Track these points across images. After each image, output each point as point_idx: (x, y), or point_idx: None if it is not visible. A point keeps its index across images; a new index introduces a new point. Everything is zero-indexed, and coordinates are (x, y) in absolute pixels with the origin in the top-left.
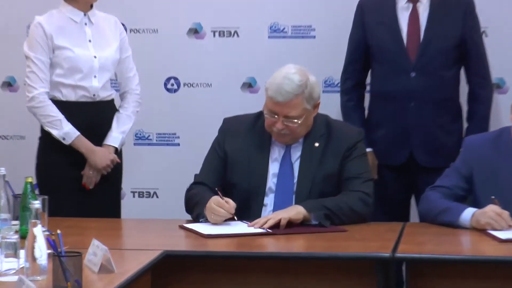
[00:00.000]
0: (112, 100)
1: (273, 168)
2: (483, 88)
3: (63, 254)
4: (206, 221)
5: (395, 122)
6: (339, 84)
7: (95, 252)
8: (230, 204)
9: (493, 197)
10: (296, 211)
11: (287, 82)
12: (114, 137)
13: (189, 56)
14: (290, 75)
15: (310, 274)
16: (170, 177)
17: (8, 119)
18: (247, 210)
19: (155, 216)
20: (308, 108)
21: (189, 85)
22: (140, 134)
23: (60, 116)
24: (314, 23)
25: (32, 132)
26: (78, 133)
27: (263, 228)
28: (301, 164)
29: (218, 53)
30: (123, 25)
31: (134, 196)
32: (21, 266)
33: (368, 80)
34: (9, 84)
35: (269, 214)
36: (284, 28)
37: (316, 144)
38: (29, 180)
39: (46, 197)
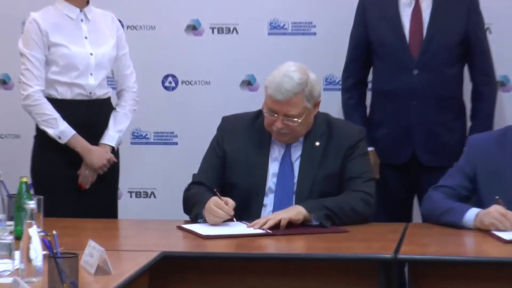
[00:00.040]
0: (109, 98)
1: (273, 167)
2: (487, 86)
3: (58, 255)
4: (205, 221)
5: (397, 121)
6: (340, 82)
7: (92, 253)
8: (229, 205)
9: (497, 197)
10: (297, 212)
11: (287, 80)
12: (111, 136)
13: (187, 53)
14: (290, 73)
15: (310, 275)
16: (168, 176)
17: (2, 117)
18: (247, 210)
19: (153, 217)
20: (308, 107)
21: (187, 82)
22: (137, 133)
23: (56, 114)
24: (315, 20)
25: (27, 131)
26: (74, 132)
27: (263, 229)
28: (302, 163)
29: (216, 50)
30: (120, 21)
31: (131, 196)
32: (16, 268)
33: (370, 77)
34: (4, 82)
35: (269, 215)
36: (284, 25)
37: (317, 143)
38: (24, 179)
39: (41, 197)
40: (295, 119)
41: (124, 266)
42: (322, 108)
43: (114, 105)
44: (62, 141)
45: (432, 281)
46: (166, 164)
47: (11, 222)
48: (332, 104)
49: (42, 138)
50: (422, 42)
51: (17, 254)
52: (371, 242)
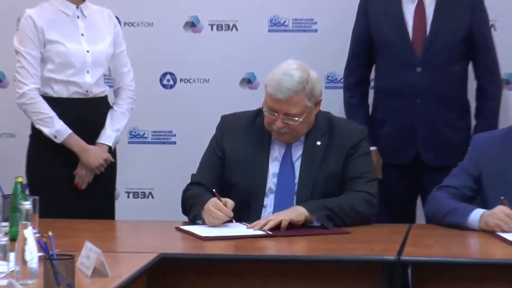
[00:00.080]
0: (106, 97)
1: (273, 167)
2: (492, 84)
3: (54, 257)
4: (204, 223)
5: (400, 119)
6: (341, 80)
7: (88, 255)
8: (229, 206)
9: (502, 197)
10: (298, 212)
11: (287, 78)
12: (108, 135)
13: (186, 51)
14: (290, 71)
15: (312, 277)
16: (166, 176)
17: None
18: (246, 211)
19: (151, 218)
20: (309, 106)
21: (185, 81)
22: (135, 132)
23: (52, 113)
24: (316, 16)
25: (23, 130)
26: (70, 131)
27: (263, 230)
28: (302, 163)
29: (216, 48)
30: (117, 18)
31: (128, 197)
32: (11, 270)
33: (372, 75)
34: None
35: (269, 216)
36: (284, 21)
37: (318, 143)
38: (19, 180)
39: (37, 197)
40: (296, 118)
41: (121, 268)
42: (323, 107)
43: (111, 104)
44: (58, 140)
45: (435, 283)
46: (164, 164)
47: (6, 223)
48: (333, 103)
49: (37, 137)
50: (425, 39)
51: (12, 255)
52: (374, 243)
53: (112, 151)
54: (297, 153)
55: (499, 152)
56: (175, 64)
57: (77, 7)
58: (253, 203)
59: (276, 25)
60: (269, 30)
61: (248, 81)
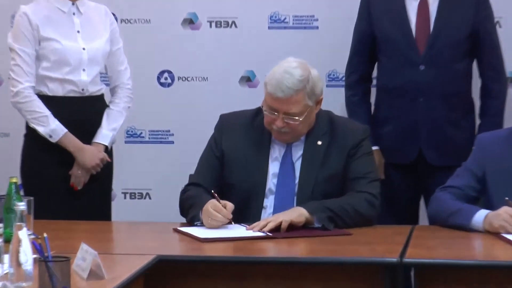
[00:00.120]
0: (102, 95)
1: (273, 168)
2: (497, 82)
3: (50, 259)
4: (202, 224)
5: (403, 118)
6: (343, 78)
7: (84, 256)
8: (228, 208)
9: (507, 198)
10: (298, 213)
11: (287, 77)
12: (104, 135)
13: (184, 48)
14: (291, 69)
15: (312, 280)
16: (164, 177)
17: None
18: (246, 212)
19: (148, 219)
20: (310, 105)
21: (183, 79)
22: (132, 131)
23: (47, 112)
24: (317, 13)
25: (17, 129)
26: (65, 130)
27: (263, 232)
28: (303, 163)
29: (214, 45)
30: (113, 15)
31: (125, 197)
32: (5, 272)
33: (375, 73)
34: None
35: (269, 217)
36: (285, 18)
37: (319, 143)
38: (14, 180)
39: (31, 198)
40: (296, 118)
41: (118, 270)
42: (324, 106)
43: (107, 102)
44: (53, 139)
45: (439, 286)
46: (161, 164)
47: (0, 225)
48: (335, 101)
49: (32, 137)
50: (429, 36)
51: (6, 257)
52: (376, 245)
53: (108, 150)
54: (297, 153)
55: (504, 152)
56: (173, 62)
57: (72, 4)
58: (252, 204)
59: (276, 22)
60: (269, 27)
61: (248, 79)
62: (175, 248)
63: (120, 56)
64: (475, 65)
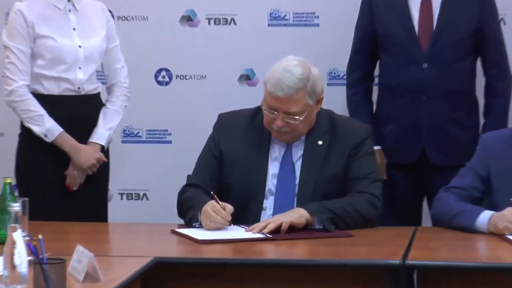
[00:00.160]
0: (98, 94)
1: (273, 168)
2: (501, 80)
3: (45, 261)
4: (201, 225)
5: (405, 117)
6: (344, 77)
7: (80, 259)
8: (227, 211)
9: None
10: (298, 215)
11: (287, 75)
12: (101, 134)
13: (182, 46)
14: (291, 67)
15: (313, 282)
16: (161, 177)
17: None
18: (245, 213)
19: (145, 220)
20: (310, 104)
21: (181, 77)
22: (129, 131)
23: (42, 111)
24: (318, 10)
25: (12, 128)
26: (61, 129)
27: (263, 233)
28: (303, 163)
29: (213, 43)
30: (110, 12)
31: (122, 198)
32: None
33: (376, 72)
34: None
35: (269, 218)
36: (285, 15)
37: (320, 142)
38: (8, 180)
39: (26, 199)
40: (297, 117)
41: (114, 272)
42: (325, 105)
43: (104, 101)
44: (49, 139)
45: None
46: (159, 164)
47: None
48: (336, 100)
49: (27, 136)
50: (432, 33)
51: (0, 260)
52: (378, 247)
53: (105, 150)
54: (297, 153)
55: (509, 152)
56: (170, 60)
57: (68, 1)
58: (252, 205)
59: (276, 19)
60: (269, 24)
61: (247, 78)
62: (172, 250)
63: (117, 54)
64: (479, 63)
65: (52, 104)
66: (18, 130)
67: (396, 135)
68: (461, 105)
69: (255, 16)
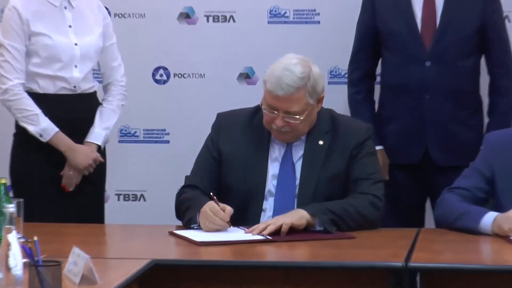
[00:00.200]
0: (95, 93)
1: (273, 168)
2: (506, 79)
3: (40, 263)
4: (199, 227)
5: (408, 117)
6: (346, 75)
7: (76, 261)
8: (227, 212)
9: None
10: (299, 216)
11: (287, 74)
12: (97, 134)
13: (180, 44)
14: (291, 66)
15: (314, 285)
16: (159, 178)
17: None
18: (244, 215)
19: (142, 222)
20: (311, 103)
21: (179, 76)
22: (126, 130)
23: (37, 110)
24: (319, 7)
25: (6, 128)
26: (57, 129)
27: (262, 235)
28: (304, 164)
29: (212, 41)
30: (106, 9)
31: (119, 199)
32: None
33: (379, 70)
34: None
35: (269, 219)
36: (285, 13)
37: (320, 142)
38: (3, 181)
39: (21, 200)
40: (297, 116)
41: (111, 275)
42: (326, 104)
43: (100, 100)
44: (44, 139)
45: None
46: (156, 164)
47: None
48: (337, 99)
49: (22, 136)
50: (435, 31)
51: None
52: (380, 249)
53: (101, 150)
54: (298, 153)
55: None
56: (168, 58)
57: None
58: (251, 206)
59: (276, 16)
60: (268, 22)
61: (246, 76)
62: (171, 252)
63: (114, 52)
64: (483, 61)
65: (48, 103)
66: (12, 130)
67: (399, 135)
68: (465, 104)
69: (254, 13)
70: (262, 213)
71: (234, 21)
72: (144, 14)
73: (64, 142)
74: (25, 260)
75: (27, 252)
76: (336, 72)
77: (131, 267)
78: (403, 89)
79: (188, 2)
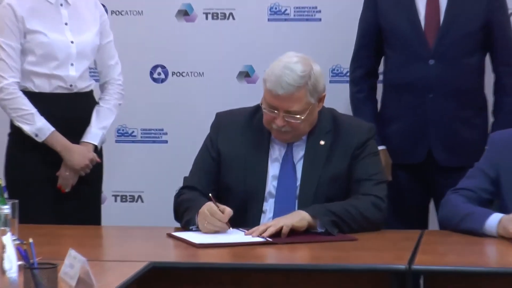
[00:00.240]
0: (91, 92)
1: (273, 169)
2: (511, 77)
3: (35, 266)
4: (198, 229)
5: (411, 116)
6: (347, 74)
7: (72, 263)
8: (226, 214)
9: None
10: (300, 217)
11: (287, 73)
12: (94, 134)
13: (178, 42)
14: (291, 64)
15: None
16: (157, 178)
17: None
18: (244, 216)
19: (140, 223)
20: (312, 102)
21: (178, 74)
22: (123, 130)
23: (33, 109)
24: (320, 4)
25: (1, 127)
26: (52, 129)
27: (262, 237)
28: (305, 164)
29: (211, 38)
30: (103, 6)
31: (116, 200)
32: None
33: (381, 69)
34: None
35: (269, 221)
36: (285, 10)
37: (322, 142)
38: None
39: (16, 201)
40: (298, 116)
41: (108, 278)
42: (327, 103)
43: (97, 99)
44: (40, 139)
45: None
46: (154, 164)
47: None
48: (338, 98)
49: (17, 136)
50: (439, 29)
51: None
52: (383, 251)
53: (98, 150)
54: (298, 153)
55: None
56: (166, 56)
57: None
58: (251, 208)
59: (276, 13)
60: (268, 19)
61: (246, 75)
62: (169, 255)
63: (111, 50)
64: (488, 59)
65: (43, 102)
66: (7, 130)
67: (402, 135)
68: (469, 103)
69: (254, 10)
70: (262, 215)
71: (233, 18)
72: (142, 12)
73: (60, 142)
74: (20, 262)
75: (22, 254)
76: (337, 70)
77: (129, 269)
78: (406, 88)
79: None
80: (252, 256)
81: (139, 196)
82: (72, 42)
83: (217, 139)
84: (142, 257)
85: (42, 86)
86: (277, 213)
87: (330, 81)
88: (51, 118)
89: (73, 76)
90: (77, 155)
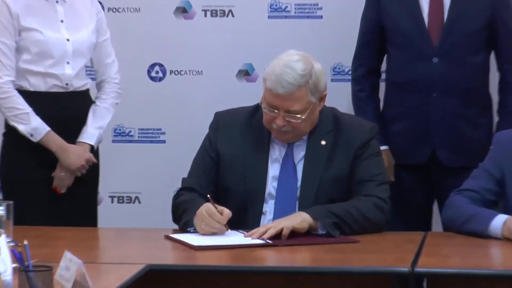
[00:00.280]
0: (88, 90)
1: (273, 170)
2: None
3: (30, 268)
4: (196, 230)
5: (414, 116)
6: (349, 72)
7: (68, 266)
8: (225, 215)
9: None
10: (301, 219)
11: (288, 71)
12: (90, 133)
13: (177, 40)
14: (292, 63)
15: None
16: (154, 179)
17: None
18: (244, 218)
19: (137, 225)
20: (312, 101)
21: (176, 73)
22: (120, 130)
23: (28, 109)
24: (321, 1)
25: None
26: (48, 128)
27: (262, 239)
28: (305, 165)
29: (210, 36)
30: (100, 3)
31: (112, 202)
32: None
33: (384, 67)
34: None
35: (269, 223)
36: (286, 7)
37: (323, 142)
38: None
39: (11, 202)
40: (298, 116)
41: (104, 280)
42: (329, 102)
43: (93, 98)
44: (35, 139)
45: None
46: (152, 165)
47: None
48: (340, 97)
49: (12, 136)
50: (442, 26)
51: None
52: (385, 253)
53: (94, 150)
54: (299, 153)
55: None
56: (164, 55)
57: None
58: (251, 209)
59: (276, 10)
60: (269, 17)
61: (246, 73)
62: (166, 257)
63: (107, 48)
64: (492, 57)
65: (39, 101)
66: (2, 129)
67: (405, 134)
68: (473, 102)
69: (254, 7)
70: (262, 216)
71: (233, 15)
72: (139, 9)
73: (56, 142)
74: (15, 265)
75: (17, 256)
76: (339, 69)
77: (126, 272)
78: (409, 86)
79: None
80: (251, 258)
81: (136, 197)
82: (68, 40)
83: (216, 139)
84: (139, 259)
85: (38, 85)
86: (277, 215)
87: (332, 80)
88: (47, 118)
89: (69, 74)
90: (73, 156)
